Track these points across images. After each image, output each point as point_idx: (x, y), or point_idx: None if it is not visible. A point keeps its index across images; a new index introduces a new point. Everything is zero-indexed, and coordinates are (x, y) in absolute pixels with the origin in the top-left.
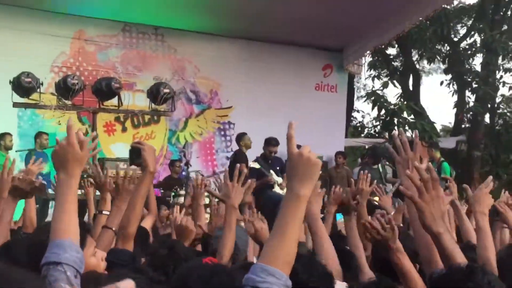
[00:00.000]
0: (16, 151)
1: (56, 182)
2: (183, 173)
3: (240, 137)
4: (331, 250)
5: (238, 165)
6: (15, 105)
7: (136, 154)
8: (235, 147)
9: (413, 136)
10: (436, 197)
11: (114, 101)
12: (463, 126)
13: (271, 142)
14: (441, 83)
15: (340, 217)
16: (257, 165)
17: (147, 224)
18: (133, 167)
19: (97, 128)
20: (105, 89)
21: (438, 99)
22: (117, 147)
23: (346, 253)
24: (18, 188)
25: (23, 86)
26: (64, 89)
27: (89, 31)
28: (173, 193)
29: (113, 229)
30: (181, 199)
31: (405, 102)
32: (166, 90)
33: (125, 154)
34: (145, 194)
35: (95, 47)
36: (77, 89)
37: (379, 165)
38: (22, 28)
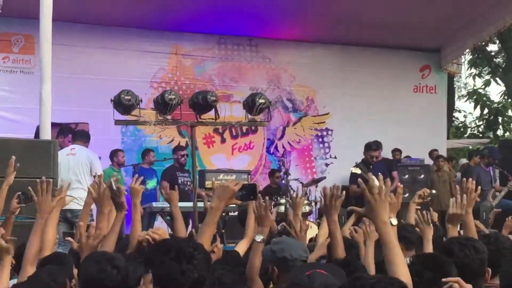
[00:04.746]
0: (121, 167)
1: None
2: (283, 181)
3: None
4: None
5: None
6: (117, 122)
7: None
8: (333, 153)
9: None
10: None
11: (212, 113)
12: None
13: (371, 147)
14: None
15: None
16: (358, 171)
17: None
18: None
19: (196, 140)
20: (202, 103)
21: None
22: (217, 158)
23: None
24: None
25: (124, 104)
26: (162, 104)
27: (185, 46)
28: (273, 203)
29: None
30: (282, 208)
31: (509, 100)
32: (262, 101)
33: (225, 165)
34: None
35: (192, 61)
36: (175, 104)
37: (491, 167)
38: (120, 48)
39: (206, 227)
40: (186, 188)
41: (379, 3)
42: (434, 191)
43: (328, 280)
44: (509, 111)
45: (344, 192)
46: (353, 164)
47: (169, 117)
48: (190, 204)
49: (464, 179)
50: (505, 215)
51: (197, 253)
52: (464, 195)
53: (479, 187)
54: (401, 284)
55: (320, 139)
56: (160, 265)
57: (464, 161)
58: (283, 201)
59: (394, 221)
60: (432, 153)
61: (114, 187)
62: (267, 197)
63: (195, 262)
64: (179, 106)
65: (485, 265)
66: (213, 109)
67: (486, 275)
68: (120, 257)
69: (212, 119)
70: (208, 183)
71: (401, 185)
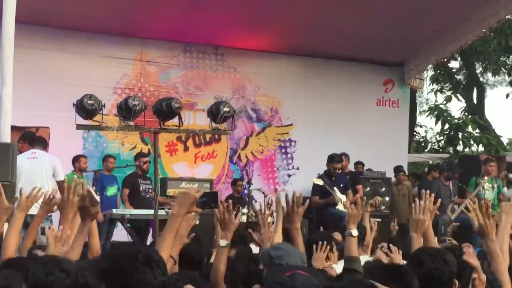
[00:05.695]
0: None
1: None
2: (245, 191)
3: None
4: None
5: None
6: (78, 127)
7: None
8: (296, 164)
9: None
10: None
11: (175, 121)
12: None
13: (334, 159)
14: (507, 95)
15: None
16: (320, 182)
17: None
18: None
19: (159, 147)
20: (166, 109)
21: (504, 112)
22: (179, 166)
23: None
24: (86, 208)
25: (86, 108)
26: (126, 110)
27: (150, 53)
28: (234, 212)
29: None
30: (244, 218)
31: (469, 116)
32: (226, 109)
33: (187, 174)
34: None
35: (157, 68)
36: (138, 110)
37: (451, 182)
38: (84, 52)
39: (167, 233)
40: (148, 196)
41: (344, 16)
42: (387, 199)
43: (309, 281)
44: (469, 127)
45: (307, 201)
46: (315, 176)
47: (132, 123)
48: (151, 211)
49: (423, 190)
50: (463, 229)
51: (159, 257)
52: (424, 201)
53: (439, 200)
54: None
55: (283, 150)
56: (132, 271)
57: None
58: (245, 210)
59: (355, 232)
60: (397, 169)
61: (95, 196)
62: (230, 201)
63: (162, 266)
64: (142, 113)
65: (453, 278)
66: (177, 116)
67: (454, 287)
68: (69, 261)
69: (176, 126)
70: (169, 191)
71: (364, 197)
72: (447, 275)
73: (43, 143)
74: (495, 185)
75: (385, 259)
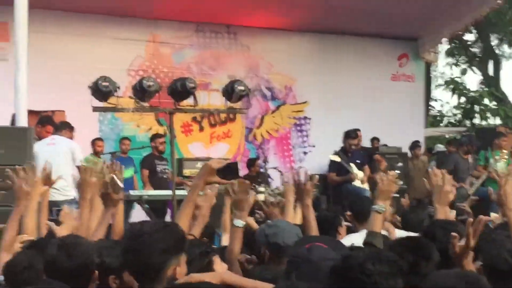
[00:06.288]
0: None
1: None
2: (261, 170)
3: None
4: None
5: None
6: (95, 109)
7: (233, 169)
8: (312, 142)
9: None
10: None
11: (190, 101)
12: None
13: (350, 135)
14: None
15: None
16: (337, 158)
17: None
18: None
19: (174, 128)
20: (180, 89)
21: None
22: (194, 146)
23: None
24: (108, 195)
25: (101, 90)
26: (141, 91)
27: (163, 34)
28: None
29: None
30: (261, 196)
31: (486, 89)
32: (241, 88)
33: (203, 154)
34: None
35: (170, 49)
36: (153, 91)
37: (470, 156)
38: (96, 35)
39: (185, 204)
40: (165, 176)
41: None
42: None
43: (327, 254)
44: (486, 100)
45: (316, 176)
46: (331, 152)
47: (147, 104)
48: (169, 192)
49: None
50: (482, 203)
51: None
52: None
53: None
54: (390, 259)
55: (299, 128)
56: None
57: (440, 147)
58: (262, 189)
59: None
60: (413, 144)
61: (119, 183)
62: (246, 181)
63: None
64: (157, 94)
65: None
66: (192, 97)
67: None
68: (82, 243)
69: (191, 106)
70: (185, 171)
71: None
72: None
73: (67, 128)
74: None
75: (392, 232)
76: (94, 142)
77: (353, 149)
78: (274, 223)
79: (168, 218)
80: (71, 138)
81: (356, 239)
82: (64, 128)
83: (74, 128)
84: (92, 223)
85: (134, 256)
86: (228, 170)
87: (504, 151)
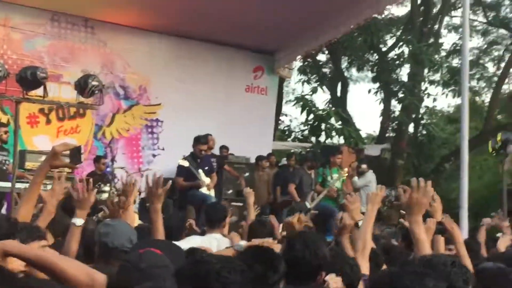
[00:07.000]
0: None
1: None
2: (108, 169)
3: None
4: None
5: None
6: None
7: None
8: (162, 145)
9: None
10: None
11: (39, 92)
12: (387, 135)
13: (200, 140)
14: (369, 91)
15: None
16: (186, 163)
17: None
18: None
19: (19, 119)
20: (30, 78)
21: (364, 107)
22: (40, 139)
23: None
24: None
25: None
26: None
27: (15, 18)
28: (96, 189)
29: None
30: (105, 195)
31: (333, 108)
32: (95, 83)
33: (48, 147)
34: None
35: (21, 35)
36: (0, 76)
37: (313, 171)
38: None
39: (29, 186)
40: (4, 168)
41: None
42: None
43: (159, 261)
44: (332, 119)
45: (169, 182)
46: (181, 157)
47: None
48: (7, 184)
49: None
50: (322, 217)
51: None
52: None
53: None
54: (242, 267)
55: (150, 129)
56: None
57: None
58: (106, 188)
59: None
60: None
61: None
62: (91, 179)
63: None
64: (4, 81)
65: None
66: (42, 87)
67: (319, 277)
68: None
69: (40, 97)
70: (28, 164)
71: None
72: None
73: None
74: (341, 176)
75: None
76: None
77: (203, 155)
78: (111, 222)
79: (3, 211)
80: None
81: (195, 241)
82: None
83: None
84: None
85: None
86: (73, 154)
87: (345, 169)
